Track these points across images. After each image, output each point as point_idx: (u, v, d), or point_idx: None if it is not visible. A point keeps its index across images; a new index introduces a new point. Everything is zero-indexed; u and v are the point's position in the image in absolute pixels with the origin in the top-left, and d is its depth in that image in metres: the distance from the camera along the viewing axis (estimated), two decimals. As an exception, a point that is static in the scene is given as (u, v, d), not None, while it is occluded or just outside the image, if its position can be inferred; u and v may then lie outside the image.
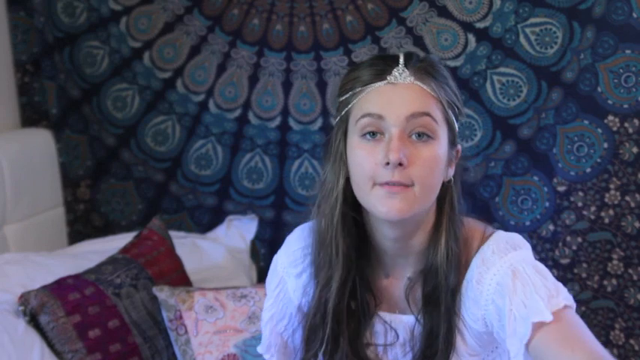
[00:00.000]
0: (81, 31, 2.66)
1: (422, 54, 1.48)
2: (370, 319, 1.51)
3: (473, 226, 1.50)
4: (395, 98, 1.38)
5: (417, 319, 1.48)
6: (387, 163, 1.36)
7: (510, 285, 1.38)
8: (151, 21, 2.64)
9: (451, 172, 1.46)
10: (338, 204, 1.45)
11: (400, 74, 1.39)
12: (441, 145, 1.40)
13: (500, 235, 1.48)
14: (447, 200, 1.46)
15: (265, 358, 1.63)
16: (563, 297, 1.40)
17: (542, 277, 1.41)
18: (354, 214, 1.47)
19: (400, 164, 1.35)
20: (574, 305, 1.42)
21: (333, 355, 1.50)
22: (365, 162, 1.39)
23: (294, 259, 1.56)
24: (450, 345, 1.45)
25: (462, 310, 1.46)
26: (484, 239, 1.46)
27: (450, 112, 1.42)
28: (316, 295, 1.50)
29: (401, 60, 1.41)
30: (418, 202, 1.38)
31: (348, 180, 1.45)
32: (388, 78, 1.39)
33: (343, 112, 1.43)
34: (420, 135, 1.38)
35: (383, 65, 1.41)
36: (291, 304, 1.58)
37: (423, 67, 1.41)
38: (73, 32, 2.66)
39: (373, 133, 1.39)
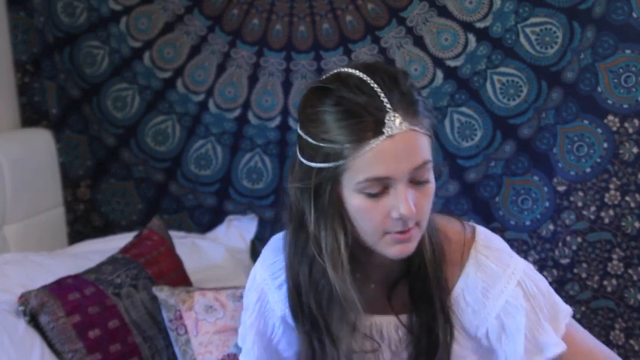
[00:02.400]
0: (81, 31, 2.66)
1: (386, 67, 1.37)
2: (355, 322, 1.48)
3: (449, 224, 1.49)
4: (398, 155, 1.30)
5: (399, 318, 1.48)
6: (399, 217, 1.33)
7: (522, 308, 1.41)
8: (150, 21, 2.64)
9: None
10: (344, 265, 1.38)
11: (394, 123, 1.29)
12: (432, 175, 1.36)
13: (485, 236, 1.47)
14: None
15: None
16: (563, 315, 1.46)
17: (546, 295, 1.45)
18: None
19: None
20: (571, 314, 1.47)
21: None
22: (374, 217, 1.33)
23: (273, 271, 1.51)
24: (451, 336, 1.45)
25: (457, 313, 1.46)
26: (468, 240, 1.45)
27: (432, 133, 1.36)
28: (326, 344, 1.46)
29: (386, 102, 1.29)
30: (420, 235, 1.38)
31: (350, 233, 1.38)
32: (385, 131, 1.29)
33: (331, 166, 1.32)
34: (422, 181, 1.33)
35: (371, 110, 1.29)
36: (274, 316, 1.54)
37: (408, 103, 1.31)
38: (73, 32, 2.66)
39: (379, 191, 1.33)
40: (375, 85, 1.31)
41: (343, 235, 1.36)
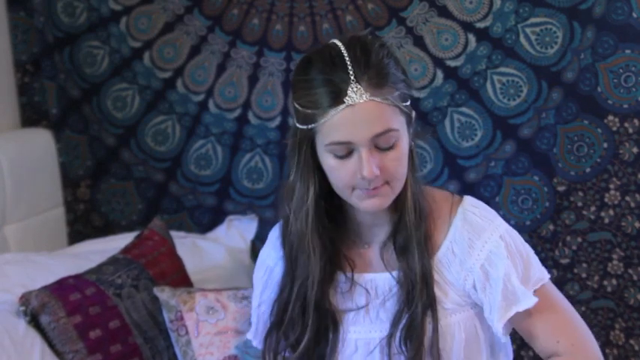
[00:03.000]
0: (81, 31, 2.66)
1: (365, 41, 1.51)
2: (347, 286, 1.62)
3: (440, 191, 1.65)
4: (357, 122, 1.45)
5: (392, 274, 1.60)
6: (362, 179, 1.47)
7: (503, 257, 1.53)
8: (150, 21, 2.64)
9: (412, 144, 1.56)
10: (310, 214, 1.56)
11: (355, 93, 1.44)
12: (404, 141, 1.50)
13: (472, 200, 1.63)
14: (409, 164, 1.55)
15: (253, 344, 1.78)
16: (535, 279, 1.56)
17: (524, 255, 1.57)
18: (329, 201, 1.58)
19: (376, 177, 1.47)
20: (544, 280, 1.58)
21: (319, 342, 1.61)
22: (342, 175, 1.49)
23: (275, 245, 1.68)
24: (429, 291, 1.55)
25: (444, 266, 1.58)
26: (456, 201, 1.61)
27: (403, 103, 1.50)
28: (294, 290, 1.61)
29: (351, 74, 1.44)
30: (392, 194, 1.52)
31: (319, 185, 1.55)
32: (345, 100, 1.44)
33: (306, 127, 1.50)
34: (385, 147, 1.47)
35: (337, 81, 1.45)
36: (275, 282, 1.69)
37: (374, 75, 1.45)
38: (73, 32, 2.65)
39: (345, 153, 1.48)
40: (347, 58, 1.46)
41: (313, 186, 1.54)
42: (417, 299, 1.54)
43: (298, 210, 1.57)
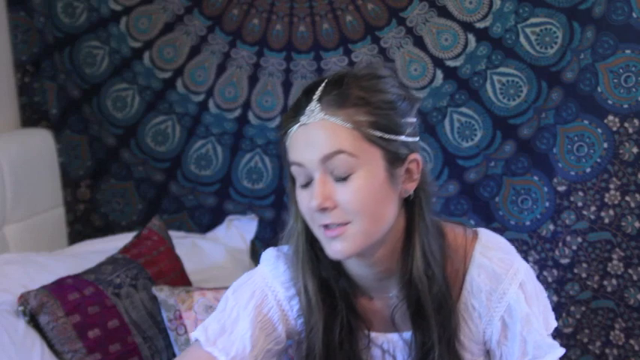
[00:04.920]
0: (81, 31, 2.66)
1: (353, 72, 1.40)
2: (364, 346, 1.48)
3: (453, 230, 1.48)
4: (307, 142, 1.34)
5: (407, 337, 1.47)
6: (313, 208, 1.35)
7: (523, 310, 1.42)
8: (151, 21, 2.64)
9: (411, 186, 1.40)
10: (301, 249, 1.44)
11: (312, 112, 1.34)
12: (369, 175, 1.34)
13: (487, 237, 1.48)
14: (416, 215, 1.41)
15: (208, 349, 1.48)
16: (551, 320, 1.49)
17: (543, 299, 1.48)
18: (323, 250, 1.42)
19: (325, 208, 1.34)
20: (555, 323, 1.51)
21: None
22: (304, 207, 1.37)
23: (284, 279, 1.50)
24: (449, 351, 1.43)
25: (463, 319, 1.46)
26: (470, 243, 1.46)
27: (377, 133, 1.34)
28: (305, 338, 1.48)
29: (316, 94, 1.35)
30: (360, 238, 1.35)
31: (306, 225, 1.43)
32: (301, 119, 1.34)
33: (284, 156, 1.40)
34: (339, 175, 1.34)
35: (302, 101, 1.36)
36: (280, 323, 1.50)
37: (338, 96, 1.34)
38: (73, 32, 2.66)
39: (307, 178, 1.36)
40: (324, 82, 1.37)
41: (301, 221, 1.42)
42: None
43: (291, 245, 1.46)
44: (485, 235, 1.48)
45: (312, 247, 1.43)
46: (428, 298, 1.40)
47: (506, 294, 1.43)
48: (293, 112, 1.37)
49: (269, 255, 1.54)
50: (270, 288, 1.50)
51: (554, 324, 1.49)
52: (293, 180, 1.40)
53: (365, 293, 1.47)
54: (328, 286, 1.45)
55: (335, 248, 1.36)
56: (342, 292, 1.45)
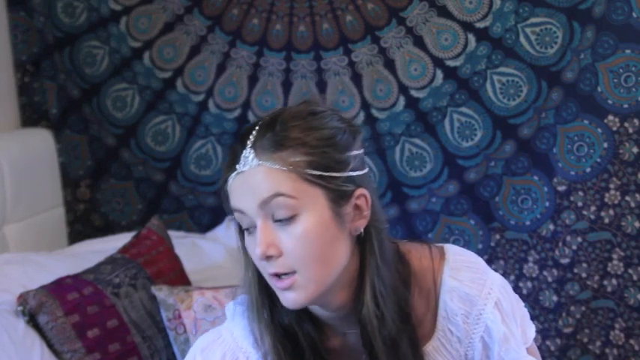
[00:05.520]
0: (81, 31, 2.66)
1: (286, 112, 1.33)
2: None
3: (417, 254, 1.41)
4: (245, 189, 1.28)
5: None
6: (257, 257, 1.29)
7: (500, 330, 1.38)
8: (150, 21, 2.64)
9: (361, 223, 1.32)
10: (257, 300, 1.35)
11: (246, 159, 1.28)
12: (312, 217, 1.27)
13: (455, 257, 1.41)
14: (367, 252, 1.33)
15: None
16: (530, 331, 1.44)
17: (520, 313, 1.43)
18: None
19: (270, 256, 1.27)
20: (533, 337, 1.46)
21: None
22: (253, 255, 1.30)
23: (254, 339, 1.39)
24: None
25: (444, 346, 1.41)
26: (437, 265, 1.39)
27: (315, 172, 1.27)
28: None
29: (250, 140, 1.28)
30: (312, 286, 1.28)
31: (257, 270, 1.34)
32: (237, 167, 1.28)
33: (227, 205, 1.33)
34: (280, 219, 1.27)
35: (236, 149, 1.30)
36: None
37: (271, 140, 1.28)
38: (73, 32, 2.66)
39: (249, 227, 1.30)
40: (259, 125, 1.30)
41: (251, 270, 1.34)
42: None
43: (246, 295, 1.37)
44: (453, 254, 1.41)
45: (268, 295, 1.35)
46: (378, 339, 1.32)
47: (482, 315, 1.38)
48: (230, 161, 1.31)
49: (233, 311, 1.44)
50: (242, 350, 1.40)
51: (532, 334, 1.45)
52: (240, 228, 1.33)
53: (336, 331, 1.39)
54: (292, 334, 1.37)
55: (288, 298, 1.29)
56: (307, 338, 1.37)
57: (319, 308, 1.35)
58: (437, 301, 1.38)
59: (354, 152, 1.32)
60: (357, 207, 1.31)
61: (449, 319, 1.38)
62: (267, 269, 1.28)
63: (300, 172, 1.26)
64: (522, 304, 1.44)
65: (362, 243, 1.33)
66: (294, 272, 1.27)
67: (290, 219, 1.26)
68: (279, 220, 1.26)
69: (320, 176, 1.27)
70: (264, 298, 1.35)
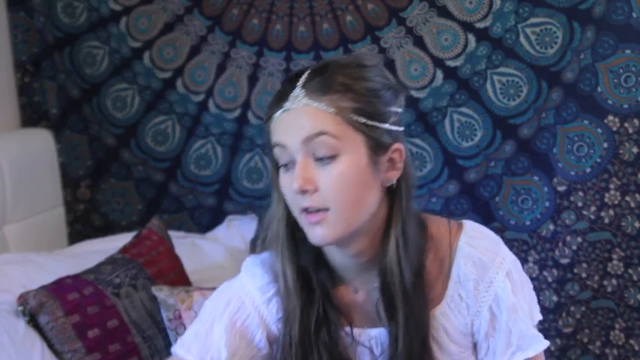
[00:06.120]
0: (81, 31, 2.66)
1: (338, 60, 1.42)
2: (348, 344, 1.46)
3: (436, 222, 1.48)
4: (290, 125, 1.36)
5: (388, 330, 1.44)
6: (295, 190, 1.36)
7: (510, 299, 1.43)
8: (150, 21, 2.64)
9: (394, 175, 1.40)
10: (282, 234, 1.44)
11: (295, 98, 1.36)
12: (351, 160, 1.35)
13: (472, 227, 1.47)
14: (395, 204, 1.41)
15: (181, 354, 1.49)
16: (536, 314, 1.48)
17: (528, 291, 1.48)
18: (303, 237, 1.42)
19: (306, 191, 1.34)
20: (540, 316, 1.50)
21: None
22: (287, 191, 1.38)
23: (262, 284, 1.49)
24: (426, 347, 1.42)
25: (452, 311, 1.45)
26: (454, 233, 1.45)
27: (360, 119, 1.35)
28: (283, 328, 1.46)
29: (300, 80, 1.37)
30: (341, 224, 1.36)
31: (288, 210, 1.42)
32: (284, 105, 1.36)
33: (267, 141, 1.42)
34: (322, 155, 1.34)
35: (286, 88, 1.38)
36: (257, 329, 1.49)
37: (322, 83, 1.36)
38: (73, 32, 2.66)
39: (289, 161, 1.37)
40: (311, 68, 1.39)
41: (283, 207, 1.42)
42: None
43: (271, 231, 1.45)
44: (470, 225, 1.47)
45: (292, 235, 1.43)
46: (398, 288, 1.40)
47: (493, 283, 1.43)
48: (277, 99, 1.38)
49: (247, 262, 1.53)
50: (248, 294, 1.49)
51: (538, 316, 1.48)
52: (276, 164, 1.40)
53: (348, 285, 1.47)
54: (306, 276, 1.44)
55: (316, 234, 1.36)
56: (319, 283, 1.45)
57: (338, 254, 1.42)
58: (450, 266, 1.44)
59: (395, 109, 1.40)
60: (391, 160, 1.39)
61: (460, 283, 1.43)
62: (300, 204, 1.35)
63: (345, 116, 1.34)
64: (531, 285, 1.48)
65: (391, 195, 1.41)
66: (326, 209, 1.34)
67: (330, 158, 1.34)
68: (320, 159, 1.34)
69: (364, 124, 1.35)
70: (289, 234, 1.42)
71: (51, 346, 1.97)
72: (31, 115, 2.68)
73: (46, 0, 2.61)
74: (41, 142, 2.62)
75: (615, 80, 2.33)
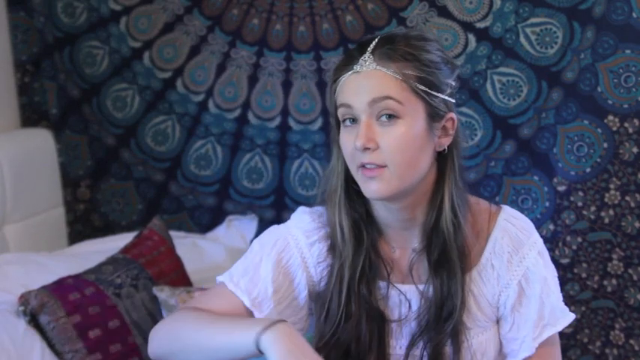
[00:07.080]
0: (81, 31, 2.66)
1: (403, 32, 1.54)
2: (383, 295, 1.56)
3: (477, 199, 1.60)
4: (359, 87, 1.46)
5: (422, 289, 1.54)
6: (357, 147, 1.47)
7: (542, 273, 1.53)
8: (150, 21, 2.64)
9: (446, 141, 1.51)
10: (339, 187, 1.55)
11: (365, 62, 1.47)
12: (411, 124, 1.46)
13: (511, 210, 1.59)
14: (447, 167, 1.52)
15: (230, 288, 1.55)
16: (560, 297, 1.59)
17: (554, 275, 1.58)
18: (357, 192, 1.54)
19: (367, 148, 1.45)
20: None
21: (347, 329, 1.54)
22: (347, 147, 1.49)
23: (308, 228, 1.60)
24: (463, 304, 1.52)
25: (482, 280, 1.54)
26: (494, 210, 1.57)
27: (422, 87, 1.46)
28: (333, 274, 1.56)
29: (370, 47, 1.48)
30: (396, 181, 1.46)
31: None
32: (354, 67, 1.47)
33: (332, 100, 1.53)
34: (385, 116, 1.45)
35: (355, 53, 1.49)
36: (299, 270, 1.57)
37: (390, 50, 1.47)
38: (73, 32, 2.66)
39: (352, 120, 1.48)
40: (377, 38, 1.49)
41: (343, 163, 1.52)
42: (447, 321, 1.51)
43: (330, 184, 1.56)
44: (510, 208, 1.59)
45: (348, 189, 1.54)
46: (454, 246, 1.51)
47: (525, 258, 1.53)
48: (345, 62, 1.49)
49: (297, 211, 1.64)
50: (293, 236, 1.59)
51: (561, 305, 1.57)
52: (337, 124, 1.51)
53: (388, 242, 1.57)
54: (357, 227, 1.55)
55: (372, 188, 1.46)
56: (369, 236, 1.55)
57: (388, 211, 1.53)
58: (487, 237, 1.55)
59: (451, 82, 1.51)
60: (444, 128, 1.51)
61: (495, 254, 1.54)
62: (360, 159, 1.46)
63: (410, 83, 1.46)
64: (556, 274, 1.59)
65: (442, 161, 1.53)
66: (384, 166, 1.45)
67: (392, 120, 1.45)
68: (383, 120, 1.45)
69: (425, 92, 1.47)
70: (346, 189, 1.54)
71: (52, 346, 1.97)
72: (31, 115, 2.68)
73: (46, 0, 2.61)
74: (41, 142, 2.62)
75: (615, 80, 2.34)
